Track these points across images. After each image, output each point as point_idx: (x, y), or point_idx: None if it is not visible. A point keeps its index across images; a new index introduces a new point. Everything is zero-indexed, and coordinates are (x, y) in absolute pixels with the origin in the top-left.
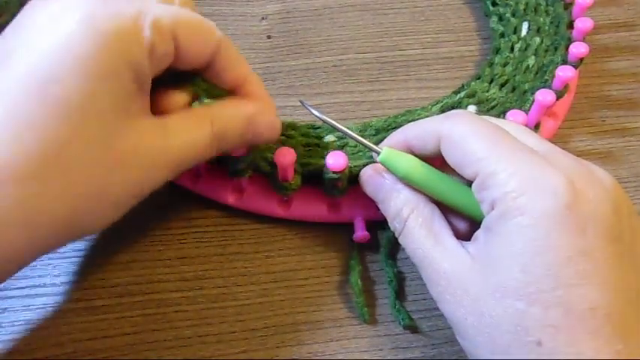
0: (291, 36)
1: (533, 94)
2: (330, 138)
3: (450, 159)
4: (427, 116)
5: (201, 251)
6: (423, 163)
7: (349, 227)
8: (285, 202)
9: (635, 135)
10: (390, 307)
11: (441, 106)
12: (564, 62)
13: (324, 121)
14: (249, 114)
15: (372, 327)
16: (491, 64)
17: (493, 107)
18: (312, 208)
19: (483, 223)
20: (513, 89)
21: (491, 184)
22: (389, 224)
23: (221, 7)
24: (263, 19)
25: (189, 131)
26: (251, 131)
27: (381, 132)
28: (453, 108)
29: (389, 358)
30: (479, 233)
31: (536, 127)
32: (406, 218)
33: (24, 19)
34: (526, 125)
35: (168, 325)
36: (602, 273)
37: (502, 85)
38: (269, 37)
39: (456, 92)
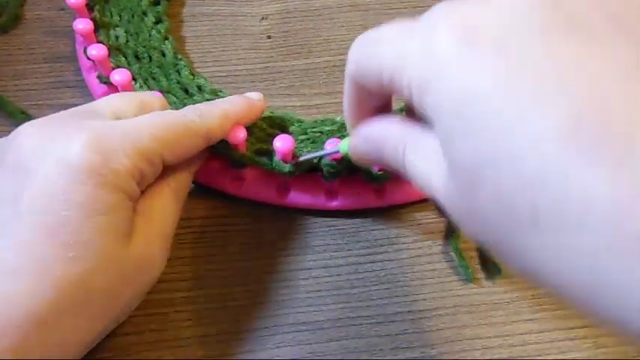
0: (291, 36)
1: None
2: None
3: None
4: None
5: (201, 251)
6: None
7: (349, 227)
8: (283, 190)
9: None
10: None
11: None
12: None
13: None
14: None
15: (372, 327)
16: None
17: None
18: (309, 196)
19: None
20: None
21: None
22: (397, 169)
23: (221, 7)
24: (263, 19)
25: (164, 210)
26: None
27: None
28: None
29: (389, 358)
30: None
31: None
32: (403, 152)
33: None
34: None
35: (169, 325)
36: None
37: None
38: (269, 37)
39: None
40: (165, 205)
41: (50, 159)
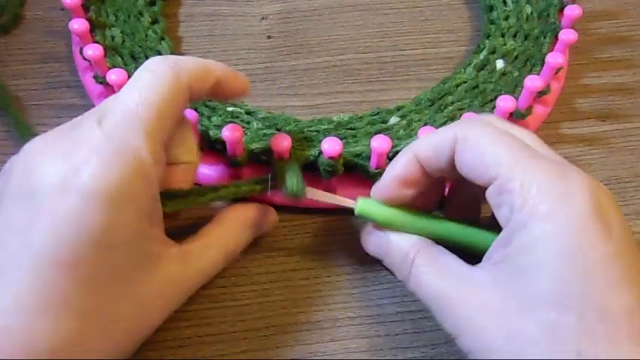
0: (291, 36)
1: (545, 37)
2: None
3: (464, 162)
4: (464, 78)
5: None
6: (399, 207)
7: (349, 227)
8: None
9: (626, 122)
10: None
11: (474, 66)
12: (561, 3)
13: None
14: (254, 221)
15: (372, 327)
16: (492, 22)
17: (517, 57)
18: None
19: (501, 235)
20: (526, 37)
21: (511, 189)
22: (396, 275)
23: (221, 7)
24: (263, 19)
25: (209, 257)
26: (257, 231)
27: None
28: (484, 67)
29: (389, 358)
30: (492, 251)
31: (527, 111)
32: (413, 259)
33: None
34: (516, 109)
35: (169, 325)
36: (633, 276)
37: (514, 36)
38: (269, 37)
39: (477, 52)
40: (211, 257)
41: (58, 187)
